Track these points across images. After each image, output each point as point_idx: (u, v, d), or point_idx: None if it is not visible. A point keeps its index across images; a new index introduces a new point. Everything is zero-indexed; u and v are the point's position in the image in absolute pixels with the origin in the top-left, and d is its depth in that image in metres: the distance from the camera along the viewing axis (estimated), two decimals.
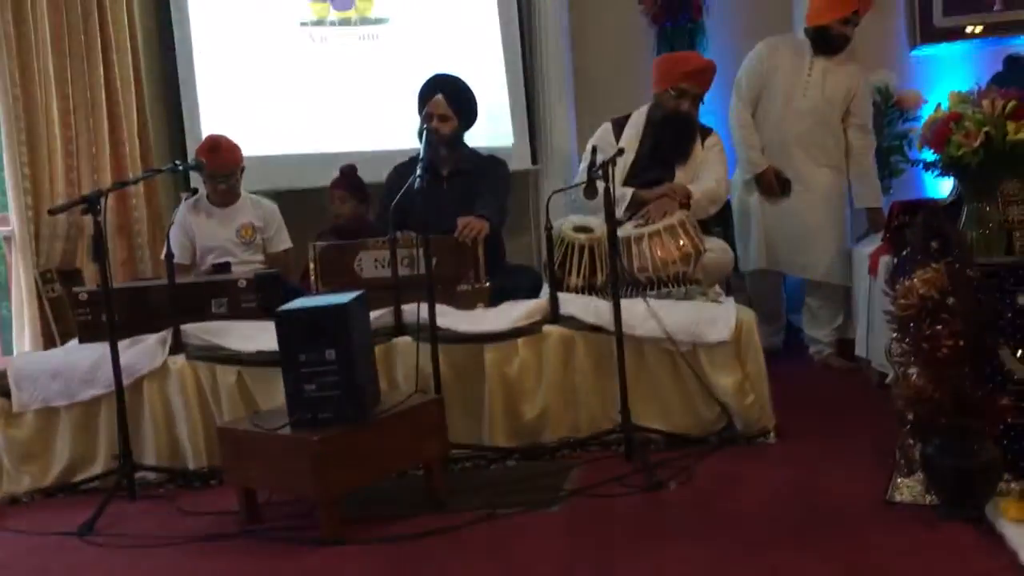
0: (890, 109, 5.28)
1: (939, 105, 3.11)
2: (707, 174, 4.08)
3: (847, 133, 4.60)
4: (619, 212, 3.74)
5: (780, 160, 4.57)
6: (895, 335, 2.70)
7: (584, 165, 4.16)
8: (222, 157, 4.09)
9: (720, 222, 4.69)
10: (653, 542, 2.56)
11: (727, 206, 4.61)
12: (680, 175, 4.05)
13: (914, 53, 5.48)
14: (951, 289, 2.44)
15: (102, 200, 3.23)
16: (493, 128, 5.28)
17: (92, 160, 4.65)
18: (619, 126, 4.20)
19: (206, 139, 4.26)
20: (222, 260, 4.14)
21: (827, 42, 4.48)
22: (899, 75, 5.34)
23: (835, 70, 4.55)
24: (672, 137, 4.08)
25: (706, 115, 4.45)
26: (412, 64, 5.26)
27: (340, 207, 4.29)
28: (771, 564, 2.34)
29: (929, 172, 3.14)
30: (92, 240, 3.25)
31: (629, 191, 3.96)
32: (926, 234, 2.65)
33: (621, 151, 3.63)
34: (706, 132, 4.19)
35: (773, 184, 4.50)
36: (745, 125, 4.55)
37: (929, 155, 3.05)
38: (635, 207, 3.94)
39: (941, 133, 2.94)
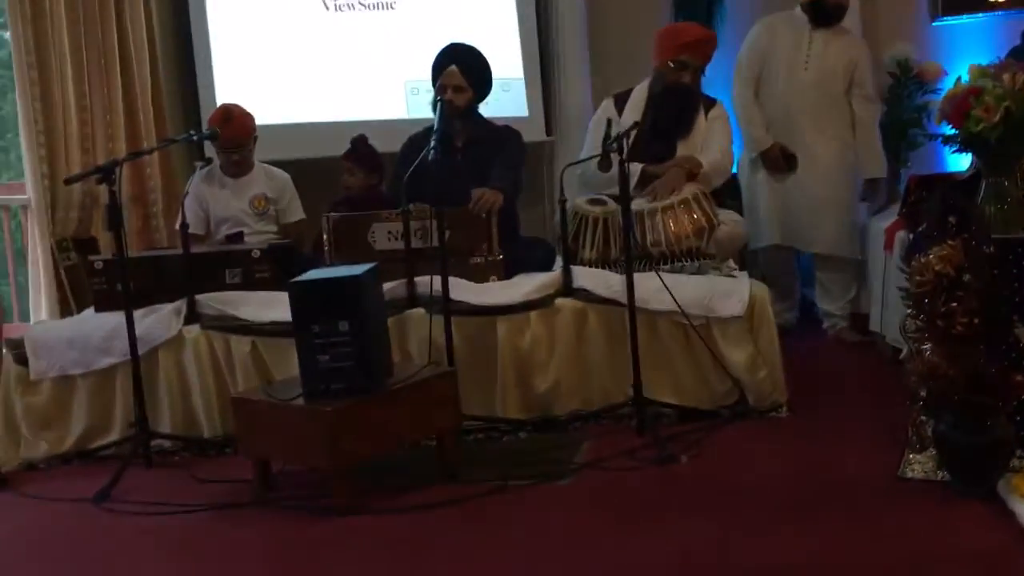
0: (910, 81, 5.21)
1: (959, 79, 3.06)
2: (711, 145, 4.00)
3: (852, 105, 4.56)
4: (608, 198, 3.72)
5: (786, 136, 4.53)
6: (910, 311, 2.69)
7: (588, 141, 4.13)
8: (234, 128, 4.06)
9: (734, 194, 4.66)
10: (664, 515, 2.57)
11: (735, 180, 4.59)
12: (682, 149, 3.98)
13: (935, 24, 5.41)
14: (967, 266, 2.42)
15: (117, 170, 3.23)
16: (507, 99, 5.25)
17: (107, 129, 4.65)
18: (621, 101, 4.13)
19: (218, 109, 4.23)
20: (235, 231, 4.15)
21: (823, 13, 4.43)
22: (919, 47, 5.27)
23: (835, 41, 4.52)
24: (673, 110, 4.00)
25: (715, 88, 4.41)
26: (427, 33, 5.22)
27: (349, 179, 4.28)
28: (782, 538, 2.35)
29: (948, 147, 3.10)
30: (107, 210, 3.25)
31: (639, 167, 3.91)
32: (943, 210, 2.63)
33: (636, 124, 3.59)
34: (710, 103, 4.10)
35: (779, 161, 4.47)
36: (747, 104, 4.51)
37: (948, 129, 3.01)
38: (645, 182, 3.90)
39: (960, 107, 2.90)
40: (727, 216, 3.89)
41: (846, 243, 4.47)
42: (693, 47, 4.00)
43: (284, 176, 4.32)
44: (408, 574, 2.32)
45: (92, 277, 3.65)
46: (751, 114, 4.52)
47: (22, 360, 3.49)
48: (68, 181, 3.48)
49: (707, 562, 2.25)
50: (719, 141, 4.02)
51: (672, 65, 4.00)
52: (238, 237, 4.10)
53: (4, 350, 3.58)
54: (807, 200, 4.47)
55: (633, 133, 3.56)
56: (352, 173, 4.27)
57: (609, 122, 3.54)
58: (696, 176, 3.86)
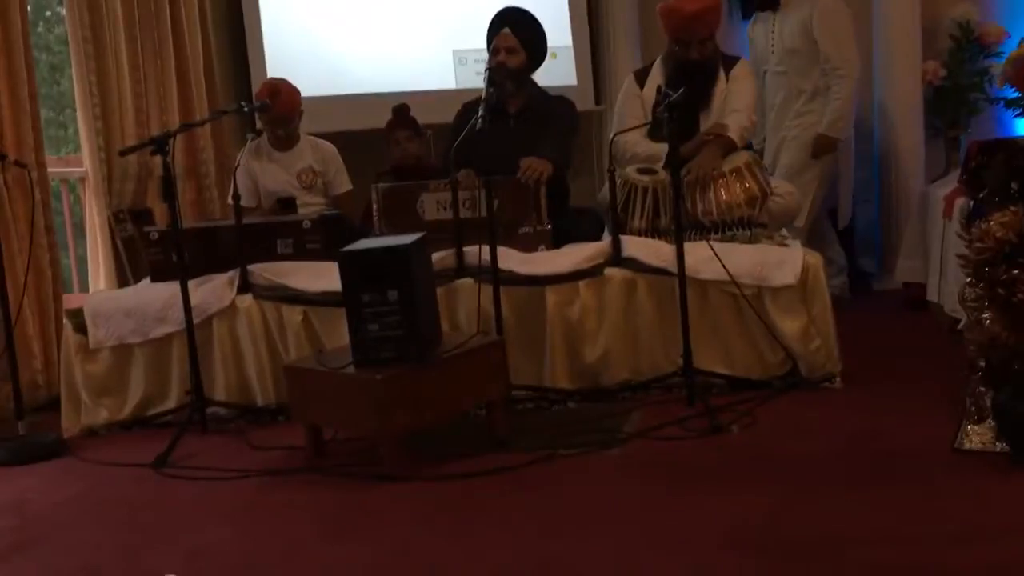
0: (971, 44, 5.07)
1: (1022, 40, 2.97)
2: (733, 106, 3.84)
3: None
4: (659, 167, 3.66)
5: (773, 128, 4.67)
6: (969, 279, 2.63)
7: (618, 116, 4.05)
8: (281, 104, 4.08)
9: None
10: (714, 486, 2.55)
11: None
12: (704, 121, 3.86)
13: None
14: None
15: (171, 141, 3.28)
16: (556, 67, 5.21)
17: (160, 101, 4.71)
18: (642, 77, 4.03)
19: (265, 84, 4.24)
20: (288, 196, 4.16)
21: None
22: (981, 8, 5.11)
23: (788, 15, 4.52)
24: (686, 87, 3.86)
25: None
26: (475, 4, 5.19)
27: (407, 145, 4.31)
28: (834, 510, 2.32)
29: (1010, 110, 3.01)
30: (162, 181, 3.30)
31: (659, 148, 3.78)
32: (1006, 175, 2.55)
33: (684, 90, 3.49)
34: (731, 63, 3.94)
35: None
36: None
37: (1011, 93, 2.92)
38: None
39: None
40: (781, 187, 3.81)
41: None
42: (689, 25, 3.80)
43: (331, 148, 4.34)
44: (457, 540, 2.34)
45: (148, 248, 3.73)
46: None
47: (82, 329, 3.57)
48: (123, 152, 3.54)
49: (758, 533, 2.23)
50: (739, 99, 3.85)
51: (676, 46, 3.88)
52: (290, 202, 4.12)
53: (65, 320, 3.67)
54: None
55: (641, 113, 3.58)
56: (409, 140, 4.31)
57: (659, 89, 3.48)
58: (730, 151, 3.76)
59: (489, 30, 3.93)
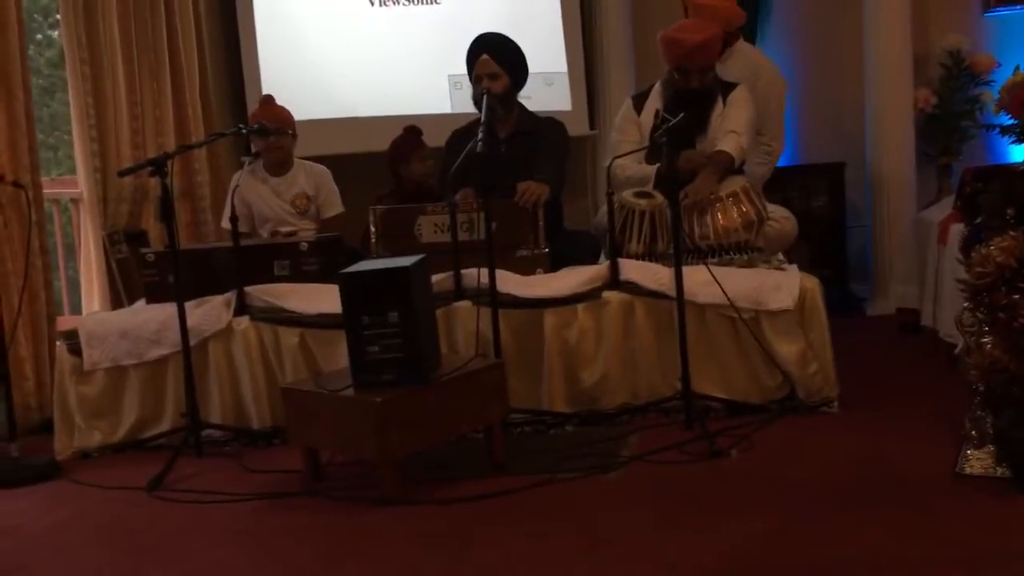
0: (962, 72, 5.14)
1: (1018, 67, 3.01)
2: (727, 128, 3.84)
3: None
4: (649, 188, 3.67)
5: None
6: (967, 304, 2.64)
7: (615, 140, 4.06)
8: (276, 110, 4.15)
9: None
10: (713, 511, 2.54)
11: None
12: (700, 143, 3.88)
13: (987, 16, 5.32)
14: None
15: (169, 162, 3.28)
16: (551, 93, 5.25)
17: (156, 124, 4.71)
18: (639, 102, 4.06)
19: (260, 101, 4.32)
20: (289, 230, 4.15)
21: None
22: (971, 38, 5.19)
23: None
24: (685, 114, 3.87)
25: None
26: (471, 28, 5.22)
27: (424, 165, 4.33)
28: (835, 534, 2.31)
29: (1006, 137, 3.04)
30: (160, 202, 3.30)
31: (651, 170, 3.81)
32: (1003, 201, 2.57)
33: (683, 116, 3.52)
34: (729, 88, 3.97)
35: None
36: None
37: (1007, 120, 2.95)
38: (659, 183, 3.75)
39: (1020, 97, 2.85)
40: (777, 212, 3.84)
41: None
42: (692, 54, 3.81)
43: (323, 171, 4.35)
44: (456, 565, 2.32)
45: (144, 269, 3.71)
46: None
47: (76, 351, 3.55)
48: (122, 174, 3.53)
49: (758, 558, 2.22)
50: (736, 122, 3.85)
51: (676, 74, 3.89)
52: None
53: (59, 341, 3.64)
54: None
55: (639, 136, 3.51)
56: (425, 159, 4.33)
57: (657, 113, 3.50)
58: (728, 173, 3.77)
59: (468, 57, 3.92)
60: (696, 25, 3.94)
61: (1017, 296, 2.35)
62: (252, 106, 5.06)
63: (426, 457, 2.99)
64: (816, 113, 5.56)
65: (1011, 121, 2.93)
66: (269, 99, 4.26)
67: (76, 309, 4.77)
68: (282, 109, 4.27)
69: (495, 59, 3.86)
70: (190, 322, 3.38)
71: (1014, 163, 4.08)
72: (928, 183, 5.24)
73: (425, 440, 2.86)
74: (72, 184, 4.65)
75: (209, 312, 3.52)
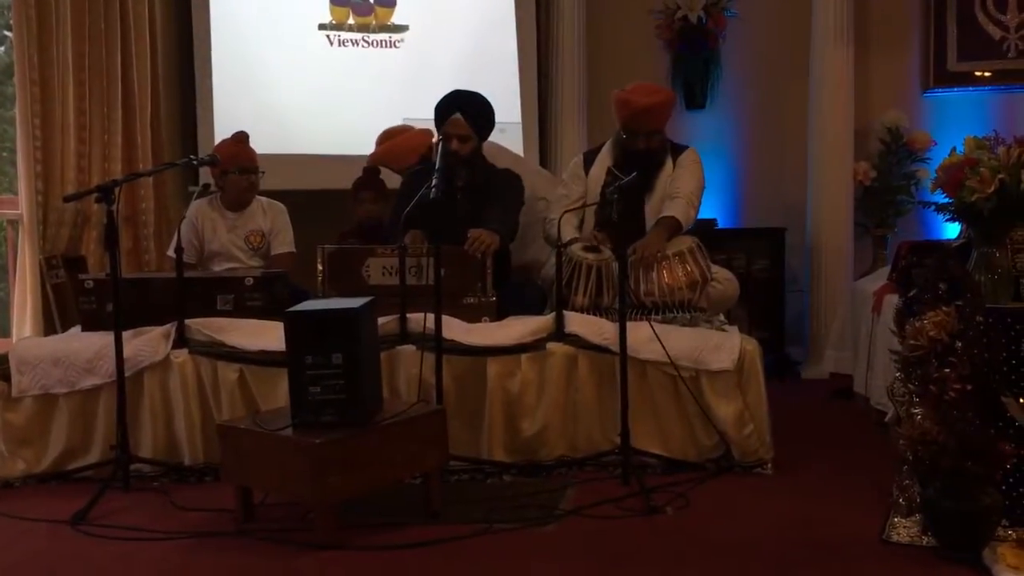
0: (900, 148, 5.34)
1: (954, 149, 3.13)
2: (676, 191, 3.94)
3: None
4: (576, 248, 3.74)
5: None
6: (899, 375, 2.72)
7: (561, 196, 4.12)
8: (248, 150, 4.13)
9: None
10: (647, 567, 2.56)
11: None
12: (648, 206, 3.98)
13: (926, 96, 5.55)
14: (961, 333, 2.45)
15: (116, 190, 3.23)
16: (503, 141, 5.30)
17: (104, 149, 4.65)
18: (590, 159, 4.13)
19: (234, 133, 4.25)
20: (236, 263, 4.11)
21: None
22: (910, 115, 5.41)
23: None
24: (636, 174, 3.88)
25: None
26: (429, 72, 5.30)
27: (371, 207, 4.34)
28: None
29: (941, 215, 3.15)
30: (105, 229, 3.24)
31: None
32: (936, 276, 2.67)
33: (635, 175, 3.58)
34: (679, 151, 4.06)
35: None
36: None
37: (942, 198, 3.06)
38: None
39: (956, 177, 2.95)
40: (720, 273, 3.92)
41: None
42: (641, 116, 3.91)
43: (280, 207, 4.32)
44: None
45: (81, 296, 3.63)
46: None
47: (5, 376, 3.44)
48: (68, 199, 3.48)
49: None
50: (683, 187, 3.94)
51: (625, 135, 3.99)
52: None
53: None
54: None
55: (589, 195, 3.55)
56: (375, 201, 4.34)
57: (609, 170, 3.57)
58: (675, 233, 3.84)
59: (440, 111, 3.89)
60: (647, 89, 4.04)
61: (948, 370, 2.43)
62: (203, 139, 5.03)
63: (362, 501, 2.96)
64: (761, 179, 5.72)
65: (946, 200, 3.04)
66: (244, 136, 4.17)
67: (5, 332, 4.64)
68: (252, 149, 4.22)
69: (468, 120, 3.84)
70: (127, 352, 3.31)
71: (948, 239, 4.24)
72: (864, 253, 5.41)
73: (363, 485, 2.83)
74: (12, 204, 4.55)
75: (147, 343, 3.45)
